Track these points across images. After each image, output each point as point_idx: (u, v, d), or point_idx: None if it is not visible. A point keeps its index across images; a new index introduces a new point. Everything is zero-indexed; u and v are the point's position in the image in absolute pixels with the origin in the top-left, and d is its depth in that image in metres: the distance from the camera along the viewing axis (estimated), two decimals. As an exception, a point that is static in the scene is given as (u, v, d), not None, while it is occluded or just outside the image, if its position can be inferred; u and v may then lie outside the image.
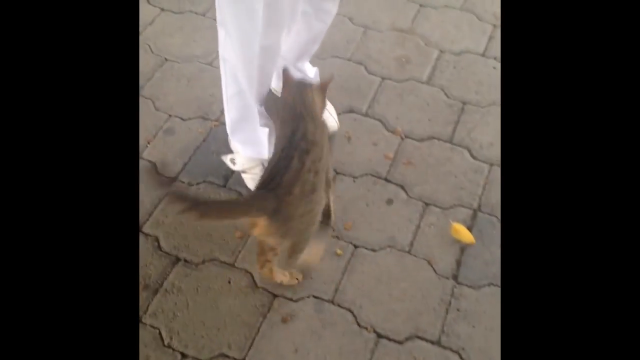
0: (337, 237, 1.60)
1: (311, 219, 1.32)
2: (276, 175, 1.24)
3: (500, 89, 1.58)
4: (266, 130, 1.60)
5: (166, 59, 2.04)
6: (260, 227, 1.25)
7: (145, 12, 2.19)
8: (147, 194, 1.68)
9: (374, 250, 1.58)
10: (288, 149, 1.27)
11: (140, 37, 2.10)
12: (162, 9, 2.21)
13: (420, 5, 2.24)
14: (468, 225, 1.62)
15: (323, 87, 1.45)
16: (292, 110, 1.37)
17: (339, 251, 1.57)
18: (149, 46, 2.08)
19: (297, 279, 1.49)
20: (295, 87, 1.42)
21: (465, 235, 1.58)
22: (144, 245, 1.58)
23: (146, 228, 1.61)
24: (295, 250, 1.37)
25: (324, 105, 1.46)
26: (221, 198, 1.35)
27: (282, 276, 1.47)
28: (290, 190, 1.23)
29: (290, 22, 1.52)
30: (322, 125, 1.41)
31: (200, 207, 1.21)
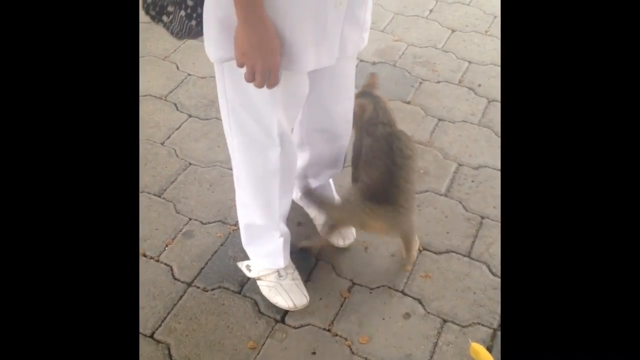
0: (353, 352, 1.55)
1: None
2: (385, 189, 1.52)
3: (501, 203, 1.61)
4: (281, 240, 1.61)
5: (190, 163, 2.10)
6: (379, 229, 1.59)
7: (174, 118, 2.28)
8: (162, 298, 1.67)
9: (390, 369, 1.53)
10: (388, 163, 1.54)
11: (167, 142, 2.18)
12: (190, 115, 2.30)
13: (439, 120, 2.31)
14: (488, 345, 1.57)
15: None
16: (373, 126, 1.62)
17: (353, 368, 1.52)
18: (175, 150, 2.14)
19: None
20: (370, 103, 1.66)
21: (485, 356, 1.52)
22: (155, 353, 1.54)
23: (158, 335, 1.58)
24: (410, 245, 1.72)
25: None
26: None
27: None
28: (402, 204, 1.55)
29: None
30: (407, 136, 1.64)
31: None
